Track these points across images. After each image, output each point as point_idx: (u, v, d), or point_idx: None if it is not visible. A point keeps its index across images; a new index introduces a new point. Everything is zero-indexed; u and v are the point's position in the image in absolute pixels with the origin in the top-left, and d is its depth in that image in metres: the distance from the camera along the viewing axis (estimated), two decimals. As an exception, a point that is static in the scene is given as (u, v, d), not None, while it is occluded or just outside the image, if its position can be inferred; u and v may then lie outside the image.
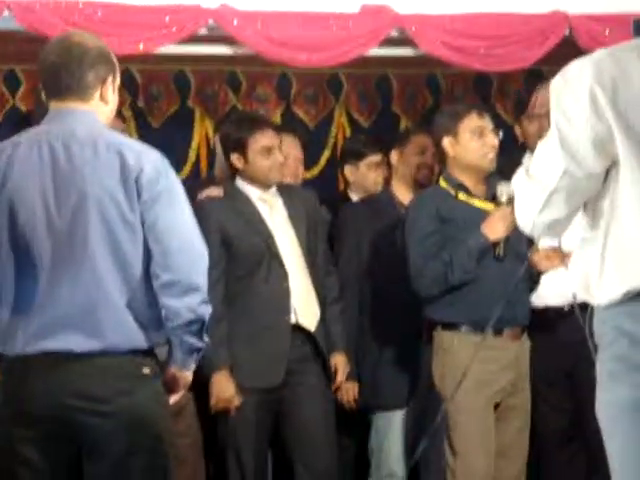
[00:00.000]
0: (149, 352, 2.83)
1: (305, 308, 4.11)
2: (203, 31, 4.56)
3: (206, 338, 2.88)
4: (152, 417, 2.81)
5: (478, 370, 3.84)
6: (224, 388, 3.99)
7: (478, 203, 4.03)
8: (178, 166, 5.22)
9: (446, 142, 4.05)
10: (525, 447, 4.01)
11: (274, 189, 4.23)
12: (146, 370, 2.80)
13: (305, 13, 4.55)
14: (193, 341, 2.84)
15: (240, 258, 4.09)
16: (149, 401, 2.80)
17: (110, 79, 2.87)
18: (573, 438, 4.18)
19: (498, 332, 3.93)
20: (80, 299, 2.74)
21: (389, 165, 4.69)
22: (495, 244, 3.93)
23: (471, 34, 4.68)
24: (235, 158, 4.16)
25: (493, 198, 3.99)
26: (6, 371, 2.84)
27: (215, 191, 4.29)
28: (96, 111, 2.85)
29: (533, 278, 4.06)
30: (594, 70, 2.12)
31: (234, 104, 5.38)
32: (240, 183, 4.21)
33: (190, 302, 2.78)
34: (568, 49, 4.61)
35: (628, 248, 2.15)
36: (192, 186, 4.72)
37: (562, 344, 4.08)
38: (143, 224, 2.76)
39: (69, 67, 2.82)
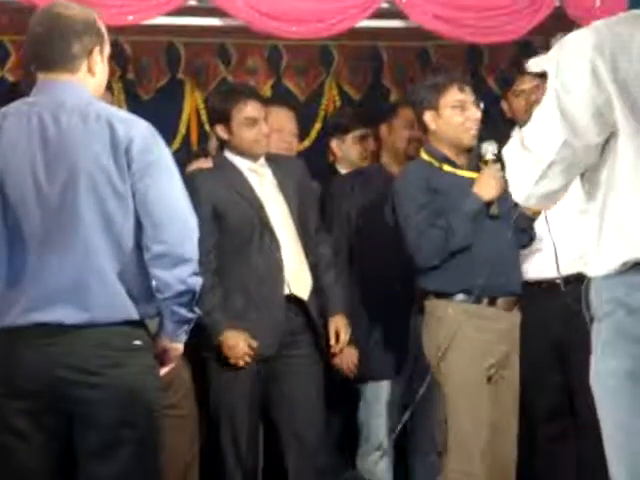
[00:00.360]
0: (140, 324, 2.83)
1: (298, 278, 4.12)
2: (192, 2, 4.55)
3: (197, 310, 2.88)
4: (143, 389, 2.81)
5: (472, 339, 3.85)
6: (237, 342, 3.98)
7: (461, 173, 4.02)
8: (168, 139, 5.14)
9: (428, 116, 4.04)
10: (516, 422, 4.01)
11: (263, 160, 4.22)
12: (137, 342, 2.80)
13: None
14: (183, 312, 2.84)
15: (231, 230, 4.09)
16: (140, 373, 2.80)
17: (97, 50, 2.84)
18: (562, 413, 4.20)
19: (492, 301, 3.94)
20: (70, 271, 2.74)
21: (377, 138, 4.69)
22: (489, 204, 3.93)
23: (462, 6, 4.66)
24: (220, 129, 4.16)
25: (479, 160, 3.98)
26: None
27: (204, 163, 4.29)
28: (84, 82, 2.83)
29: (527, 231, 4.06)
30: (594, 41, 2.12)
31: (224, 76, 5.36)
32: (229, 154, 4.21)
33: (180, 273, 2.78)
34: (559, 21, 4.60)
35: (626, 218, 2.15)
36: (182, 158, 4.75)
37: (552, 317, 4.10)
38: (134, 195, 2.76)
39: (54, 39, 2.80)
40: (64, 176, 2.75)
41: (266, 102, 4.37)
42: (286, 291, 4.08)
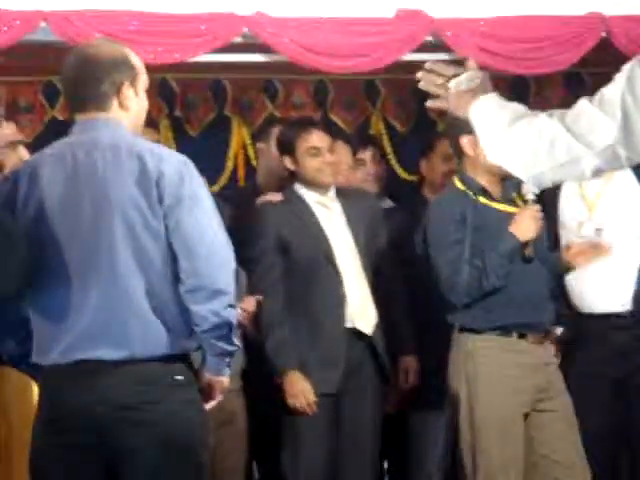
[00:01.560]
0: (182, 358, 2.82)
1: (362, 313, 4.11)
2: (238, 39, 4.58)
3: (237, 342, 2.87)
4: (185, 425, 2.79)
5: (502, 373, 3.79)
6: (299, 386, 3.98)
7: (497, 206, 3.96)
8: (215, 174, 5.25)
9: (465, 141, 3.92)
10: (576, 451, 3.86)
11: (333, 193, 4.23)
12: (178, 377, 2.79)
13: (339, 19, 4.55)
14: (223, 345, 2.83)
15: (296, 263, 4.11)
16: (181, 409, 2.79)
17: (127, 84, 2.86)
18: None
19: (522, 336, 3.88)
20: (107, 307, 2.75)
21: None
22: (524, 245, 3.87)
23: (507, 37, 4.65)
24: (287, 160, 4.20)
25: (517, 195, 3.94)
26: (41, 382, 2.86)
27: (274, 196, 4.31)
28: (117, 118, 2.86)
29: (557, 280, 4.02)
30: None
31: (271, 112, 5.40)
32: (298, 187, 4.24)
33: (216, 306, 2.77)
34: (606, 51, 4.57)
35: None
36: (229, 194, 4.77)
37: (616, 351, 4.02)
38: (167, 228, 2.76)
39: (84, 80, 2.83)
40: (97, 211, 2.77)
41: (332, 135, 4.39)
42: (349, 325, 4.08)
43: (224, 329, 2.80)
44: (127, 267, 2.75)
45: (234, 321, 2.83)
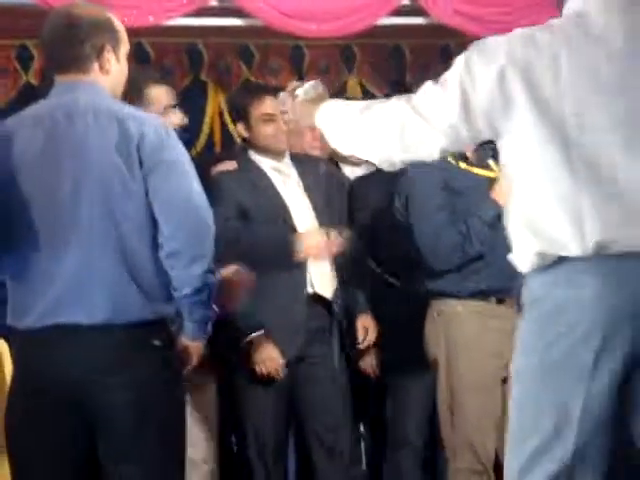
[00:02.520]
0: (159, 323, 2.81)
1: (322, 277, 4.10)
2: (214, 2, 4.56)
3: (214, 307, 2.87)
4: (162, 389, 2.79)
5: (484, 340, 3.80)
6: (266, 352, 3.96)
7: (477, 171, 3.95)
8: (192, 139, 5.23)
9: None
10: None
11: (287, 159, 4.21)
12: (155, 342, 2.79)
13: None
14: (201, 310, 2.83)
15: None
16: (158, 372, 2.79)
17: (108, 47, 2.83)
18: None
19: (500, 301, 3.89)
20: (83, 271, 2.73)
21: None
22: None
23: (483, 2, 4.65)
24: (240, 127, 4.16)
25: (489, 165, 3.93)
26: (18, 345, 2.85)
27: (229, 164, 4.28)
28: (98, 82, 2.84)
29: None
30: (509, 47, 2.22)
31: (247, 76, 5.38)
32: (252, 154, 4.20)
33: (195, 271, 2.76)
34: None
35: (536, 215, 2.22)
36: (206, 159, 4.76)
37: None
38: (147, 193, 2.75)
39: (65, 41, 2.80)
40: (77, 176, 2.74)
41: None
42: (310, 290, 4.07)
43: (203, 294, 2.80)
44: (103, 231, 2.73)
45: (213, 287, 2.82)
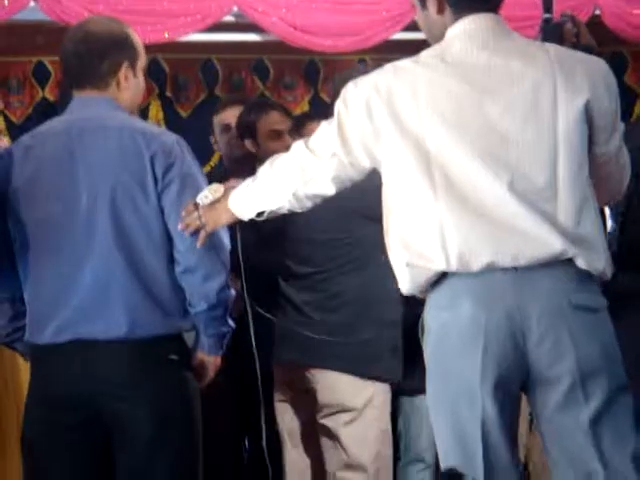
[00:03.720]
0: (175, 338, 2.81)
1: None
2: (228, 18, 4.58)
3: (231, 323, 2.87)
4: (178, 403, 2.79)
5: None
6: None
7: None
8: (207, 154, 5.25)
9: None
10: None
11: None
12: (172, 356, 2.79)
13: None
14: (217, 326, 2.83)
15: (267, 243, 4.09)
16: (174, 387, 2.79)
17: (126, 64, 2.82)
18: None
19: None
20: (101, 286, 2.73)
21: None
22: None
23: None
24: (249, 143, 4.17)
25: None
26: (35, 360, 2.83)
27: (235, 182, 4.28)
28: (115, 98, 2.83)
29: None
30: (374, 79, 2.35)
31: (262, 92, 5.39)
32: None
33: (211, 287, 2.77)
34: (599, 30, 4.57)
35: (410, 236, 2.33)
36: (217, 175, 4.77)
37: None
38: (162, 208, 2.75)
39: (83, 57, 2.80)
40: (91, 191, 2.75)
41: (305, 117, 4.37)
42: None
43: (218, 310, 2.80)
44: (118, 247, 2.73)
45: (229, 302, 2.82)
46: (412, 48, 5.37)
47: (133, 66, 2.84)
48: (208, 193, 2.60)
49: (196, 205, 2.60)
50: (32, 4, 4.31)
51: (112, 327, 2.71)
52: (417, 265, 2.30)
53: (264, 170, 2.51)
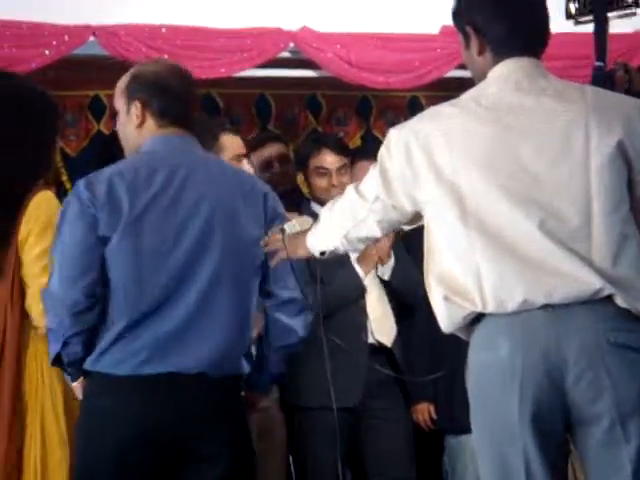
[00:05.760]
0: (243, 377, 2.83)
1: (382, 325, 4.10)
2: (284, 54, 4.61)
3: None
4: (247, 437, 2.81)
5: None
6: None
7: None
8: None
9: None
10: None
11: None
12: (242, 393, 2.82)
13: (384, 35, 4.57)
14: (283, 364, 2.88)
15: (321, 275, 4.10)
16: (245, 423, 2.81)
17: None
18: None
19: None
20: (194, 321, 2.72)
21: None
22: None
23: (550, 54, 4.63)
24: (300, 176, 4.21)
25: None
26: (115, 392, 2.76)
27: (290, 215, 4.31)
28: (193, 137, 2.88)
29: None
30: (414, 124, 2.42)
31: (314, 127, 5.42)
32: (314, 205, 4.25)
33: (306, 320, 2.82)
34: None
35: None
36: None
37: None
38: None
39: (185, 98, 2.86)
40: (196, 231, 2.74)
41: (354, 154, 4.38)
42: (370, 339, 4.06)
43: (299, 346, 2.84)
44: (224, 284, 2.73)
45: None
46: (465, 85, 5.39)
47: None
48: (296, 223, 2.68)
49: (282, 231, 2.66)
50: (91, 39, 4.36)
51: (194, 362, 2.71)
52: (455, 302, 2.34)
53: (323, 212, 2.60)
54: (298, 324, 2.80)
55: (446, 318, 2.38)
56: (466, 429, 4.12)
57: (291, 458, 4.10)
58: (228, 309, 2.72)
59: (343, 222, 2.52)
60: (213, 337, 2.71)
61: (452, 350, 4.18)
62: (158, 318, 2.70)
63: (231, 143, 3.66)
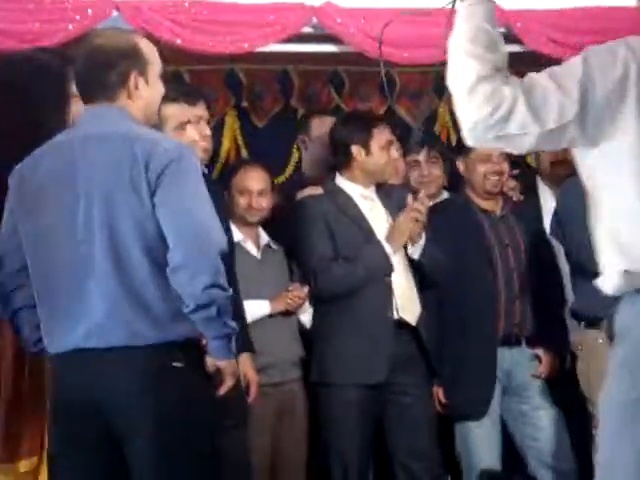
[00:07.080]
0: (183, 344, 2.82)
1: (407, 303, 4.10)
2: (307, 29, 4.58)
3: (232, 323, 2.83)
4: (184, 410, 2.79)
5: None
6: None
7: None
8: (282, 165, 5.27)
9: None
10: None
11: (373, 187, 4.24)
12: (176, 363, 2.80)
13: (408, 9, 4.52)
14: (217, 327, 2.80)
15: (343, 254, 4.10)
16: (180, 395, 2.80)
17: (135, 73, 2.88)
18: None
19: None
20: (100, 297, 2.79)
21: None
22: None
23: (578, 29, 4.60)
24: (355, 149, 4.18)
25: None
26: (51, 366, 2.94)
27: (315, 189, 4.30)
28: (124, 107, 2.87)
29: None
30: (630, 49, 2.20)
31: (337, 103, 5.39)
32: (340, 180, 4.23)
33: (198, 286, 2.74)
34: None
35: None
36: (295, 183, 4.78)
37: None
38: (156, 209, 2.78)
39: (91, 71, 2.88)
40: (85, 202, 2.81)
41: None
42: (395, 316, 4.06)
43: (211, 309, 2.76)
44: (111, 255, 2.79)
45: (222, 301, 2.78)
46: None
47: (144, 74, 2.87)
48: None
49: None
50: (115, 14, 4.34)
51: (112, 335, 2.77)
52: (634, 272, 2.13)
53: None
54: (191, 289, 2.74)
55: (620, 285, 2.17)
56: (469, 417, 4.15)
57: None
58: (110, 280, 2.78)
59: (493, 118, 2.22)
60: (116, 316, 2.79)
61: (457, 332, 4.20)
62: (68, 299, 2.82)
63: (172, 113, 3.55)
